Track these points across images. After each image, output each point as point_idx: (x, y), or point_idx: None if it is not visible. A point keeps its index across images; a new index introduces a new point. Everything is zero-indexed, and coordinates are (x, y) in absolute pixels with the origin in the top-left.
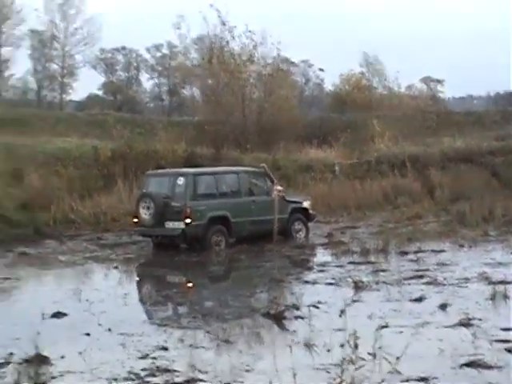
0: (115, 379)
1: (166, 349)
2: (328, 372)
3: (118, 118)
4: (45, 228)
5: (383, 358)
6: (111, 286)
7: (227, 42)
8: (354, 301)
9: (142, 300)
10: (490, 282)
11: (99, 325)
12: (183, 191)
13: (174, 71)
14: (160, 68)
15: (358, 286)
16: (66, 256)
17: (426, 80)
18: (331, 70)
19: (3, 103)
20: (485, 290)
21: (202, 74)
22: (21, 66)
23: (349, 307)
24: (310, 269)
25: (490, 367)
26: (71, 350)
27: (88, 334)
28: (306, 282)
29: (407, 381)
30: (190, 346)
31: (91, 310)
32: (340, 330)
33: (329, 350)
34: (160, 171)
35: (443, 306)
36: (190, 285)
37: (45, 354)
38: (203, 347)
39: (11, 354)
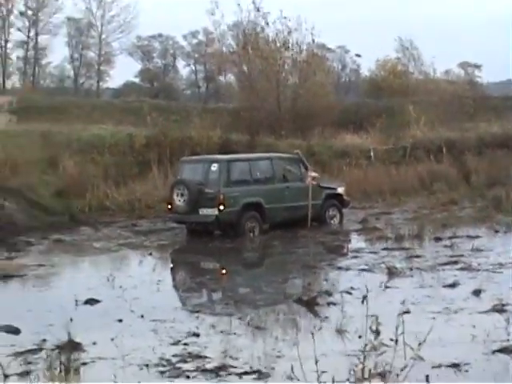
0: (146, 365)
1: (197, 335)
2: (358, 358)
3: (153, 105)
4: (80, 215)
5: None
6: (145, 273)
7: (262, 28)
8: (387, 287)
9: (174, 286)
10: None
11: (131, 311)
12: (217, 178)
13: (210, 58)
14: (196, 55)
15: (392, 272)
16: (100, 243)
17: (464, 65)
18: (368, 55)
19: (41, 91)
20: None
21: (237, 60)
22: (58, 54)
23: (382, 293)
24: (343, 255)
25: None
26: (103, 336)
27: (120, 321)
28: (340, 268)
29: (439, 366)
30: (222, 332)
31: (124, 296)
32: (373, 315)
33: (360, 337)
34: (194, 158)
35: (477, 292)
36: (224, 271)
37: (77, 340)
38: (235, 333)
39: (44, 340)
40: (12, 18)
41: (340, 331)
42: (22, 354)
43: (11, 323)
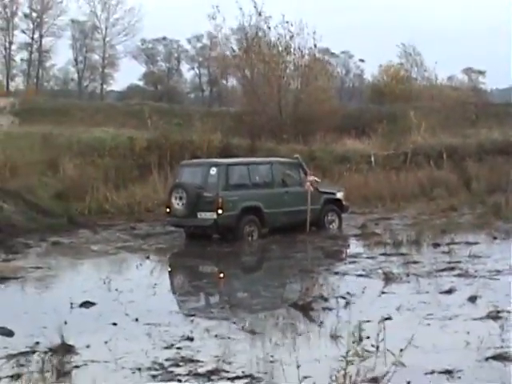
0: (139, 369)
1: (191, 339)
2: (352, 364)
3: (155, 109)
4: (79, 218)
5: (387, 351)
6: (142, 276)
7: (264, 32)
8: (383, 292)
9: (171, 290)
10: None
11: (126, 314)
12: (216, 181)
13: (213, 62)
14: (200, 58)
15: (389, 278)
16: (98, 246)
17: (468, 71)
18: (372, 61)
19: (44, 93)
20: None
21: (239, 64)
22: (62, 57)
23: (377, 299)
24: (341, 260)
25: None
26: (97, 339)
27: (115, 324)
28: (336, 273)
29: (432, 373)
30: (216, 336)
31: (120, 299)
32: (368, 321)
33: (354, 342)
34: (193, 161)
35: (472, 299)
36: (221, 275)
37: (70, 343)
38: (229, 338)
39: (37, 342)
40: (16, 19)
41: (334, 336)
42: (14, 356)
43: (5, 325)
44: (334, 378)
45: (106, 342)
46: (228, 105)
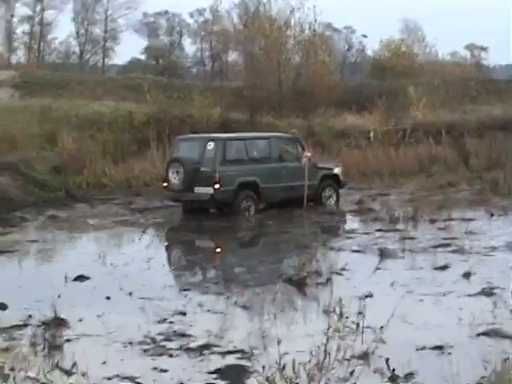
0: (130, 343)
1: (184, 314)
2: (343, 339)
3: (156, 83)
4: (76, 192)
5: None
6: (137, 251)
7: (264, 6)
8: (378, 268)
9: (166, 264)
10: None
11: (120, 289)
12: (213, 156)
13: (215, 36)
14: (203, 33)
15: (384, 254)
16: (95, 220)
17: (470, 47)
18: (375, 36)
19: (46, 66)
20: (511, 259)
21: (240, 38)
22: (64, 30)
23: (372, 275)
24: (337, 235)
25: (506, 337)
26: (90, 313)
27: (108, 298)
28: (332, 248)
29: (422, 349)
30: (209, 311)
31: (114, 273)
32: (360, 297)
33: (347, 317)
34: (190, 136)
35: (467, 275)
36: (217, 250)
37: (63, 316)
38: (222, 313)
39: (30, 316)
40: None
41: (327, 312)
42: (6, 329)
43: None
44: (312, 353)
45: (98, 316)
46: (229, 79)
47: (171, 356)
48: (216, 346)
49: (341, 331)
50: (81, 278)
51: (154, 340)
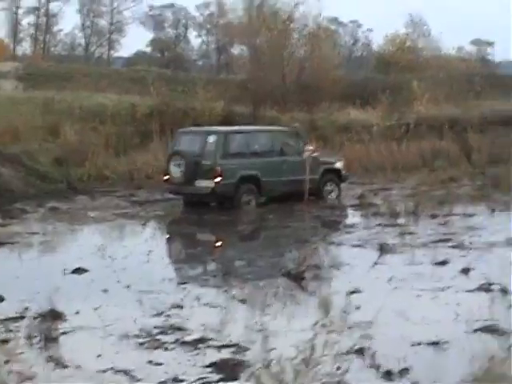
0: (126, 336)
1: (181, 307)
2: (339, 335)
3: (160, 76)
4: (78, 184)
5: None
6: (136, 243)
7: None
8: (377, 263)
9: (165, 257)
10: None
11: (118, 281)
12: (214, 149)
13: (221, 29)
14: (208, 26)
15: (383, 249)
16: (96, 212)
17: (476, 42)
18: (381, 30)
19: (51, 58)
20: (510, 255)
21: (244, 31)
22: (69, 22)
23: (371, 270)
24: (337, 230)
25: (503, 333)
26: (87, 306)
27: (106, 291)
28: (332, 243)
29: (418, 344)
30: (206, 304)
31: (113, 266)
32: (359, 292)
33: (344, 312)
34: (191, 129)
35: (465, 270)
36: (216, 243)
37: (60, 309)
38: (219, 306)
39: (27, 308)
40: None
41: (330, 307)
42: (3, 321)
43: None
44: (298, 349)
45: (95, 309)
46: (235, 73)
47: (166, 349)
48: (212, 339)
49: (328, 327)
50: (79, 270)
51: (149, 333)
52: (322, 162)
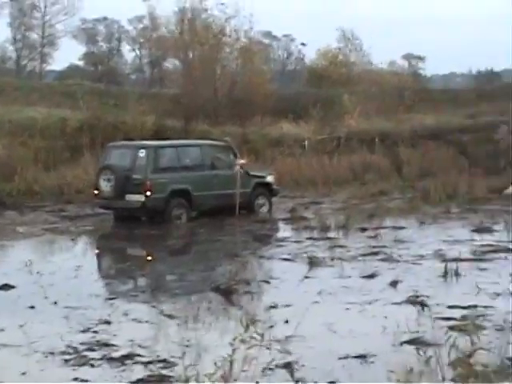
0: (52, 353)
1: (108, 323)
2: (268, 348)
3: (92, 89)
4: (7, 199)
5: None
6: (65, 259)
7: (199, 13)
8: (307, 277)
9: (94, 273)
10: (444, 260)
11: (45, 298)
12: (144, 164)
13: (154, 43)
14: (141, 40)
15: (313, 262)
16: (24, 227)
17: (408, 57)
18: (314, 45)
19: None
20: (438, 268)
21: (175, 45)
22: (0, 35)
23: (300, 283)
24: (268, 244)
25: (429, 345)
26: (12, 322)
27: (32, 307)
28: (262, 257)
29: (345, 357)
30: (134, 320)
31: (40, 282)
32: (288, 305)
33: (272, 326)
34: (121, 143)
35: (394, 283)
36: (146, 258)
37: None
38: (147, 322)
39: None
40: None
41: (252, 321)
42: None
43: None
44: (216, 364)
45: (21, 326)
46: (168, 87)
47: (93, 366)
48: (139, 355)
49: (250, 341)
50: (5, 286)
51: (76, 350)
52: (253, 175)
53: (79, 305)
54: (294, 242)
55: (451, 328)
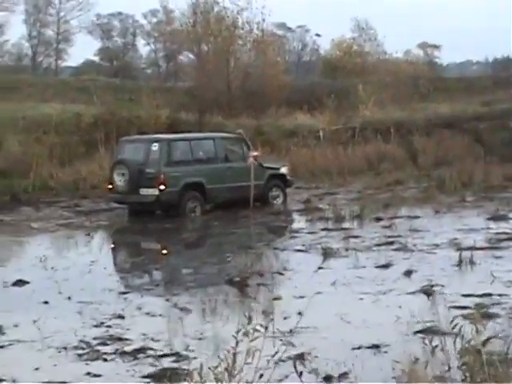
0: (65, 348)
1: (122, 317)
2: (281, 340)
3: (107, 84)
4: (23, 195)
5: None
6: (80, 254)
7: (211, 6)
8: (321, 268)
9: (108, 267)
10: (459, 248)
11: (59, 293)
12: (157, 157)
13: (168, 37)
14: (156, 34)
15: (327, 253)
16: (39, 223)
17: (423, 45)
18: (329, 35)
19: None
20: (453, 256)
21: (188, 38)
22: (15, 32)
23: (314, 274)
24: (282, 235)
25: (443, 334)
26: (26, 318)
27: (46, 303)
28: (276, 248)
29: (359, 348)
30: (147, 314)
31: (55, 277)
32: (301, 297)
33: (285, 318)
34: (134, 137)
35: (408, 273)
36: (160, 252)
37: None
38: (160, 315)
39: None
40: None
41: (266, 312)
42: None
43: None
44: (221, 357)
45: (34, 321)
46: (183, 80)
47: (106, 360)
48: (151, 349)
49: (250, 334)
50: (19, 282)
51: (89, 344)
52: (267, 167)
53: (93, 299)
54: (309, 233)
55: (465, 317)
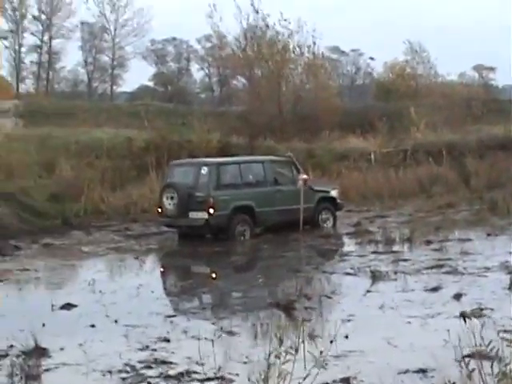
0: (110, 372)
1: (168, 340)
2: (326, 363)
3: (160, 109)
4: (74, 219)
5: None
6: (128, 277)
7: (262, 30)
8: (369, 291)
9: (156, 291)
10: (510, 272)
11: (106, 316)
12: (207, 181)
13: (222, 61)
14: (210, 58)
15: (376, 276)
16: (89, 247)
17: (479, 68)
18: (383, 59)
19: (54, 95)
20: (504, 280)
21: (240, 63)
22: (72, 58)
23: (362, 298)
24: (331, 258)
25: (490, 358)
26: (73, 341)
27: (93, 326)
28: (325, 271)
29: (405, 372)
30: (193, 337)
31: (102, 301)
32: (349, 320)
33: (332, 341)
34: (184, 161)
35: (458, 296)
36: (209, 275)
37: (45, 346)
38: (206, 339)
39: (11, 346)
40: (26, 22)
41: (312, 336)
42: None
43: None
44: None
45: (80, 345)
46: (236, 104)
47: None
48: (196, 372)
49: (281, 357)
50: (67, 306)
51: (133, 368)
52: (317, 190)
53: (139, 323)
54: (358, 256)
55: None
